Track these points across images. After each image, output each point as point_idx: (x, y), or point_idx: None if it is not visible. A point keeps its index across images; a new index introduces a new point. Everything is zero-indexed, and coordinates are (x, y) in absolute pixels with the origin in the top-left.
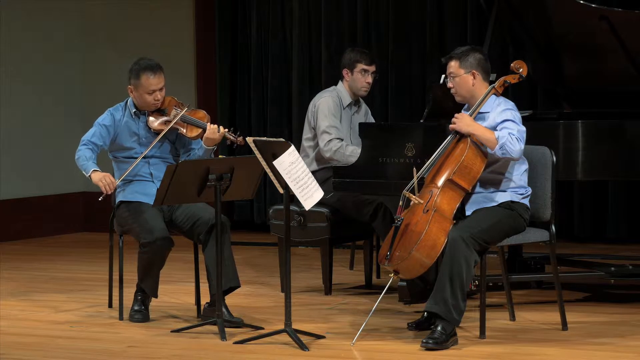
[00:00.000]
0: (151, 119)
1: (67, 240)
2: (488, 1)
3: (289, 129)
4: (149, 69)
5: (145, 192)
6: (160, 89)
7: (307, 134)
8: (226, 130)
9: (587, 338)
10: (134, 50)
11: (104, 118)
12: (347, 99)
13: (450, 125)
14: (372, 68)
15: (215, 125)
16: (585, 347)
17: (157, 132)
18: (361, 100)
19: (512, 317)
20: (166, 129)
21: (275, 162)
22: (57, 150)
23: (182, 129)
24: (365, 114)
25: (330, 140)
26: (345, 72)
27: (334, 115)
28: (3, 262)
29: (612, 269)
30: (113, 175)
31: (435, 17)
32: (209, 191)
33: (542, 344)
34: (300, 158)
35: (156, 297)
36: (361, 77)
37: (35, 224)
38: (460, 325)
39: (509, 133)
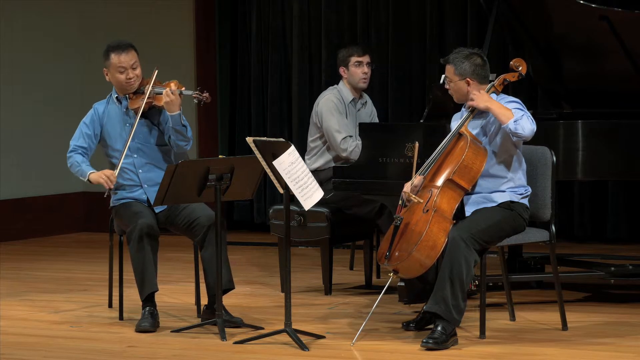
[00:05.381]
0: (131, 100)
1: (67, 240)
2: (488, 1)
3: (289, 129)
4: (118, 47)
5: (138, 198)
6: (133, 68)
7: (313, 134)
8: (184, 88)
9: (587, 338)
10: None
11: (87, 116)
12: (349, 96)
13: (468, 103)
14: (366, 58)
15: (169, 88)
16: (585, 347)
17: (144, 113)
18: (366, 97)
19: (512, 317)
20: (142, 104)
21: (275, 162)
22: (57, 150)
23: (154, 101)
24: (371, 114)
25: (344, 139)
26: (342, 70)
27: (339, 112)
28: (3, 262)
29: (612, 269)
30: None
31: (435, 17)
32: (209, 191)
33: (542, 344)
34: (300, 158)
35: (157, 289)
36: (356, 69)
37: (35, 224)
38: (460, 325)
39: (524, 114)
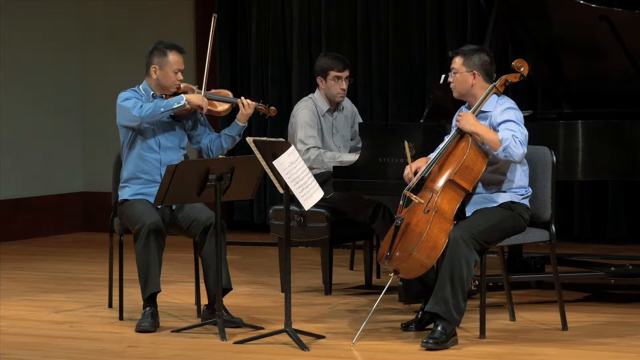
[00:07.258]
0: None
1: (67, 240)
2: (488, 1)
3: None
4: (176, 47)
5: (151, 194)
6: (182, 71)
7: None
8: (256, 102)
9: (587, 338)
10: (134, 51)
11: (129, 93)
12: (325, 107)
13: (456, 122)
14: (345, 74)
15: (248, 100)
16: (585, 347)
17: (177, 116)
18: (343, 103)
19: (512, 317)
20: (203, 105)
21: (275, 162)
22: (57, 150)
23: (210, 107)
24: (352, 115)
25: (307, 150)
26: (319, 79)
27: (310, 126)
28: (3, 262)
29: (612, 269)
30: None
31: (435, 17)
32: (209, 191)
33: (542, 344)
34: (300, 158)
35: (159, 290)
36: (335, 84)
37: (35, 224)
38: (460, 325)
39: (513, 136)
